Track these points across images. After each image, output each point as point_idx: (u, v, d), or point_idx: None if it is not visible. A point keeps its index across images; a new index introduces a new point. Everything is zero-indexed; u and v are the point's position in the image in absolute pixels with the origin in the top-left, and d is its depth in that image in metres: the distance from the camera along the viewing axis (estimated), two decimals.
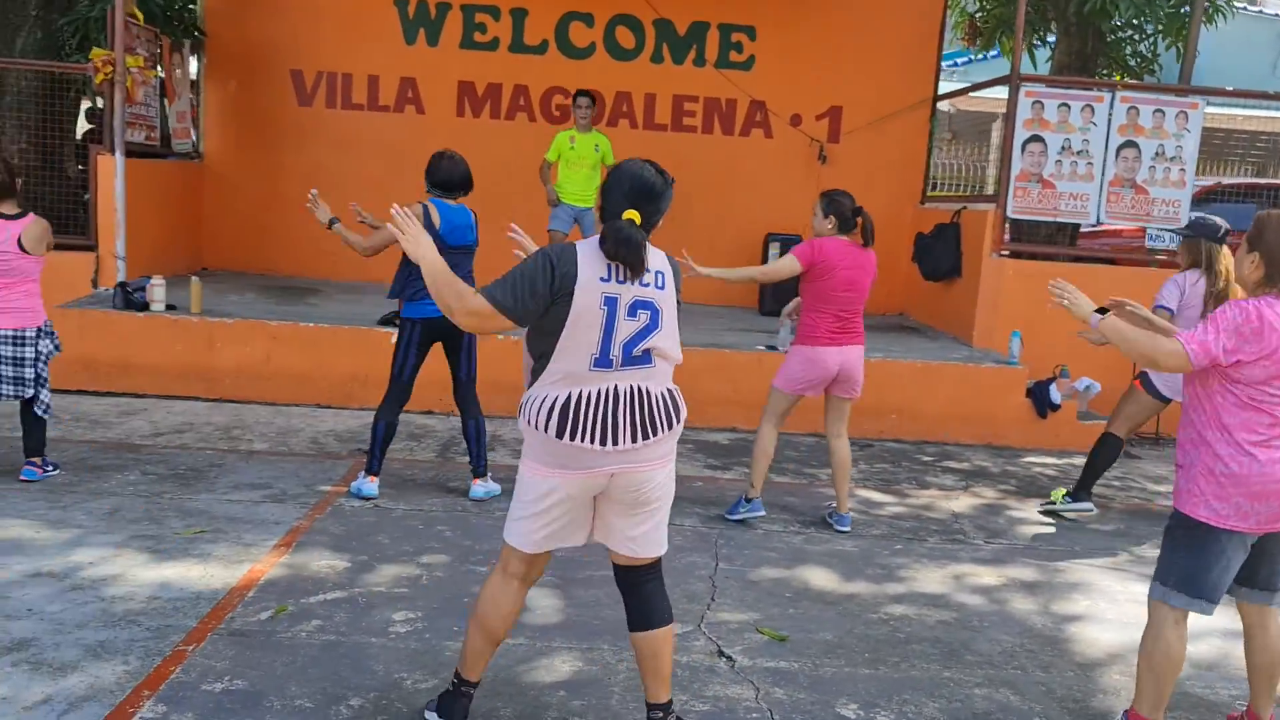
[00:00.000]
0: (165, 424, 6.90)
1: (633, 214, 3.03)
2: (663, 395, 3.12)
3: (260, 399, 7.64)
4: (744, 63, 10.41)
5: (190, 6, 10.01)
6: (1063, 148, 8.58)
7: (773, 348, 7.95)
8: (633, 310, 3.03)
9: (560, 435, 3.01)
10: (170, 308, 7.83)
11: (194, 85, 10.26)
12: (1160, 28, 9.74)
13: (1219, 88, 8.99)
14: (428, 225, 5.34)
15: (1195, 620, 3.48)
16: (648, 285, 3.06)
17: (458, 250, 5.39)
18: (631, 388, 3.05)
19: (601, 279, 3.00)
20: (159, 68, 9.14)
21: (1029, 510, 6.30)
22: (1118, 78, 10.25)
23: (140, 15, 8.19)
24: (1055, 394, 7.96)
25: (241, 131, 10.34)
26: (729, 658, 4.00)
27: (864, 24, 10.38)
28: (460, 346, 5.65)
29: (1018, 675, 4.04)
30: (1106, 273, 8.75)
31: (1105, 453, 6.17)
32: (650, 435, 3.06)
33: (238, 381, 7.64)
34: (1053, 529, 6.01)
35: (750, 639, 4.19)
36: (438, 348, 5.67)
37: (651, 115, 10.40)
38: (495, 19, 10.27)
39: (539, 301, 2.99)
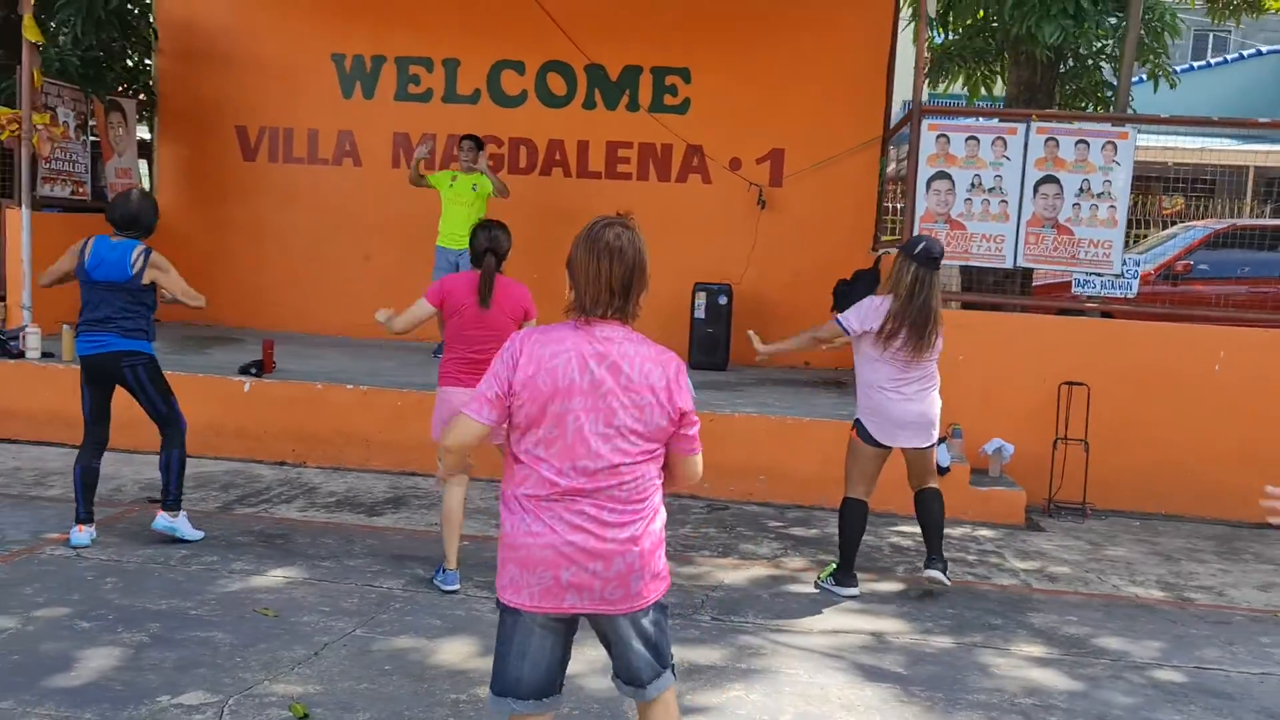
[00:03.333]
0: None
1: None
2: None
3: (119, 446, 7.64)
4: (679, 106, 10.01)
5: (125, 65, 10.37)
6: (972, 184, 7.78)
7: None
8: None
9: None
10: (47, 355, 8.01)
11: (148, 144, 10.65)
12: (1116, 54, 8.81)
13: (1153, 115, 8.00)
14: (79, 259, 5.35)
15: None
16: None
17: (101, 285, 5.33)
18: None
19: None
20: (89, 127, 9.49)
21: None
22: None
23: (39, 77, 8.47)
24: (944, 455, 7.12)
25: (192, 187, 10.65)
26: None
27: (806, 60, 9.79)
28: (130, 387, 5.49)
29: None
30: (1053, 324, 7.91)
31: (847, 522, 5.45)
32: None
33: None
34: (814, 603, 5.29)
35: (270, 715, 3.77)
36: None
37: (585, 163, 10.11)
38: (429, 70, 10.25)
39: None
